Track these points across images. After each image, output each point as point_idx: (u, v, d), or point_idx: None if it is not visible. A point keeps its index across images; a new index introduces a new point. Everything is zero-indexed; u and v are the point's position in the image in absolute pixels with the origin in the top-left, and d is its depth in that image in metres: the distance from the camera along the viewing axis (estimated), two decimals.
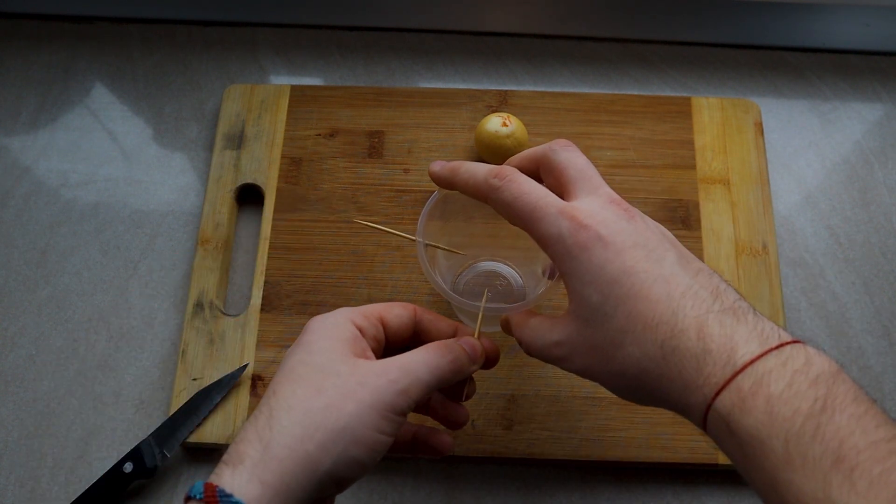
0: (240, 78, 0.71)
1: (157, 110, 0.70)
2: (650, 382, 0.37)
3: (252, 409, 0.56)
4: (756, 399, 0.33)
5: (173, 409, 0.57)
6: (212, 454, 0.57)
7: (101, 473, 0.55)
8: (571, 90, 0.71)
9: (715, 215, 0.63)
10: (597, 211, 0.39)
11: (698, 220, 0.62)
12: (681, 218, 0.62)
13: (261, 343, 0.59)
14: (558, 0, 0.70)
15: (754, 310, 0.37)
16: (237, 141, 0.66)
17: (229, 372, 0.57)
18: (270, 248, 0.62)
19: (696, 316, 0.36)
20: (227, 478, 0.35)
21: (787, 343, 0.35)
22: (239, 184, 0.64)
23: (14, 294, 0.63)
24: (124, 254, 0.64)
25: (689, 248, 0.41)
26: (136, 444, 0.56)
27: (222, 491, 0.34)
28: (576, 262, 0.39)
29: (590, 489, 0.56)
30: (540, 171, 0.45)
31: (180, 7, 0.72)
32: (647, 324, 0.37)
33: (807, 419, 0.32)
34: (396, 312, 0.44)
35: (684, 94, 0.70)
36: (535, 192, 0.41)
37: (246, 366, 0.58)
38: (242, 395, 0.57)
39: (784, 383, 0.33)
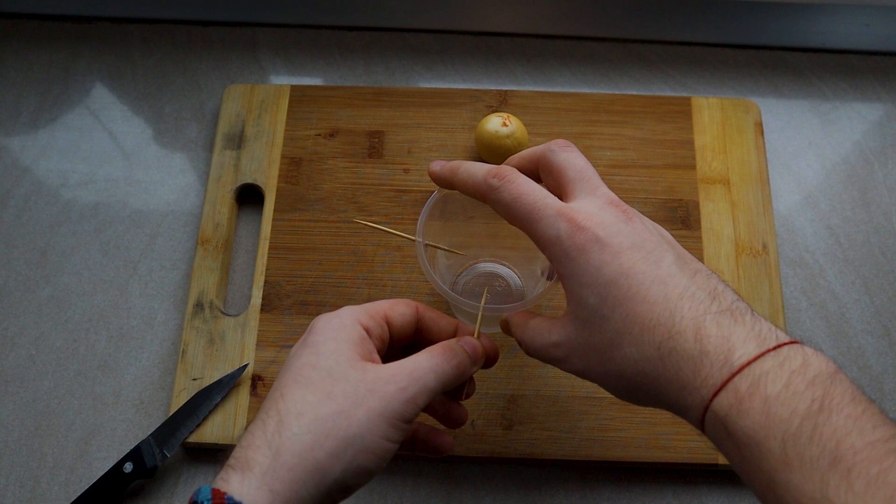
0: (240, 78, 0.71)
1: (157, 110, 0.70)
2: (648, 384, 0.37)
3: (252, 409, 0.57)
4: (753, 400, 0.33)
5: (173, 409, 0.57)
6: (212, 454, 0.57)
7: (101, 473, 0.55)
8: (571, 90, 0.71)
9: (715, 215, 0.63)
10: (595, 212, 0.39)
11: (698, 220, 0.62)
12: (681, 218, 0.62)
13: (261, 343, 0.59)
14: (558, 0, 0.70)
15: (752, 310, 0.37)
16: (237, 141, 0.66)
17: (229, 372, 0.57)
18: (270, 248, 0.62)
19: (694, 317, 0.36)
20: (236, 484, 0.35)
21: (785, 344, 0.35)
22: (239, 184, 0.64)
23: (14, 294, 0.63)
24: (124, 254, 0.64)
25: (689, 249, 0.41)
26: (136, 444, 0.56)
27: (231, 498, 0.34)
28: (573, 264, 0.38)
29: (590, 489, 0.56)
30: (539, 172, 0.45)
31: (180, 7, 0.73)
32: (645, 325, 0.37)
33: (804, 420, 0.32)
34: (400, 311, 0.44)
35: (684, 94, 0.70)
36: (533, 193, 0.41)
37: (246, 366, 0.58)
38: (242, 395, 0.57)
39: (781, 384, 0.33)
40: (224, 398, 0.57)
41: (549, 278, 0.49)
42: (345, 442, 0.36)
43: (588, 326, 0.39)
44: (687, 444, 0.55)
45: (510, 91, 0.67)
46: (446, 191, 0.48)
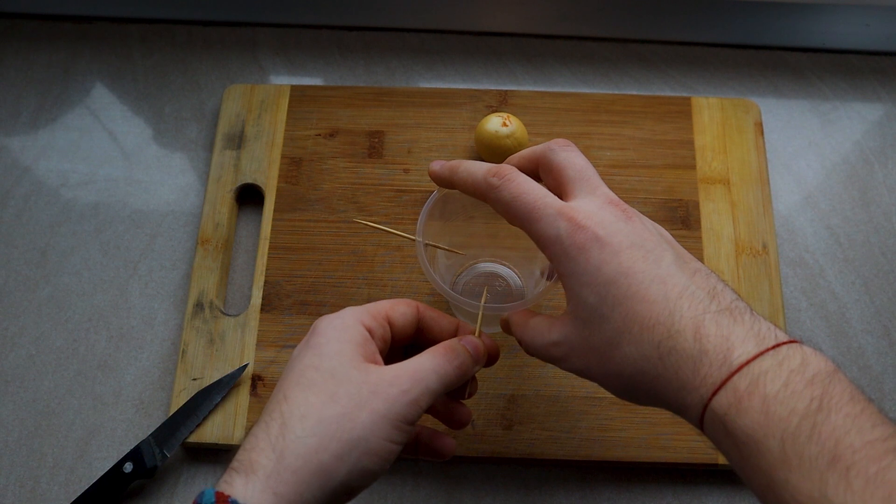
0: (240, 78, 0.71)
1: (157, 110, 0.70)
2: (647, 383, 0.37)
3: (252, 409, 0.57)
4: (752, 399, 0.33)
5: (173, 409, 0.57)
6: (212, 454, 0.57)
7: (101, 473, 0.55)
8: (571, 90, 0.71)
9: (715, 215, 0.63)
10: (595, 211, 0.39)
11: (698, 220, 0.62)
12: (681, 218, 0.62)
13: (261, 343, 0.59)
14: (558, 0, 0.70)
15: (751, 310, 0.37)
16: (237, 141, 0.66)
17: (229, 372, 0.57)
18: (270, 248, 0.62)
19: (693, 316, 0.36)
20: (240, 487, 0.35)
21: (784, 343, 0.35)
22: (239, 184, 0.64)
23: (14, 294, 0.63)
24: (124, 254, 0.64)
25: (689, 248, 0.41)
26: (136, 444, 0.56)
27: (235, 501, 0.34)
28: (573, 263, 0.38)
29: (590, 489, 0.56)
30: (539, 171, 0.44)
31: (180, 7, 0.73)
32: (644, 324, 0.37)
33: (803, 419, 0.32)
34: (402, 311, 0.44)
35: (684, 94, 0.70)
36: (533, 192, 0.41)
37: (246, 366, 0.58)
38: (242, 395, 0.57)
39: (780, 383, 0.33)
40: (224, 398, 0.57)
41: (549, 278, 0.49)
42: (349, 444, 0.36)
43: (588, 325, 0.39)
44: (687, 444, 0.55)
45: (510, 91, 0.67)
46: (446, 190, 0.48)
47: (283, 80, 0.71)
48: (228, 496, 0.34)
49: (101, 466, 0.57)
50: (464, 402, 0.46)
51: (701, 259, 0.59)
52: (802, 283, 0.63)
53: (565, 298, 0.40)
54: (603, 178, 0.43)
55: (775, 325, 0.37)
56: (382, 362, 0.41)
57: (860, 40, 0.71)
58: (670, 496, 0.56)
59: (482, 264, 0.60)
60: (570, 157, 0.43)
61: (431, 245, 0.50)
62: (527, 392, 0.57)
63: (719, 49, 0.73)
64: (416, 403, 0.38)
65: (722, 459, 0.55)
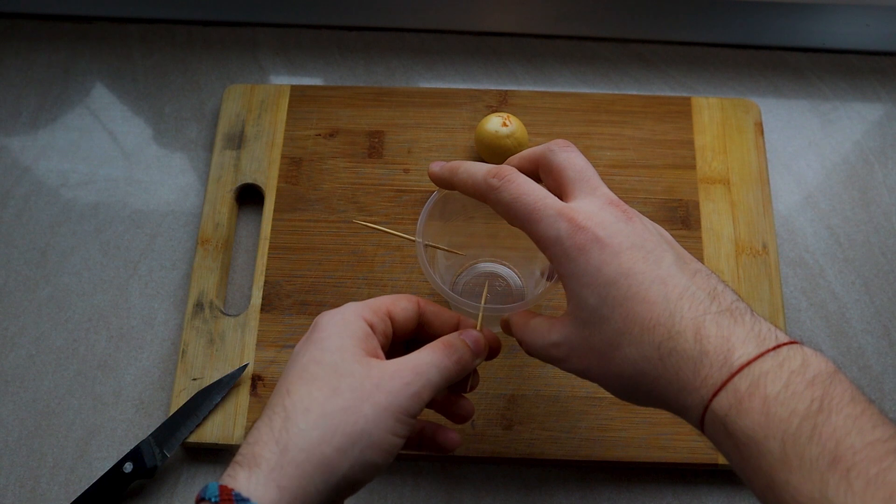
0: (240, 78, 0.71)
1: (157, 110, 0.70)
2: (647, 384, 0.37)
3: (252, 409, 0.57)
4: (753, 400, 0.33)
5: (173, 409, 0.57)
6: (212, 454, 0.57)
7: (101, 473, 0.55)
8: (571, 90, 0.71)
9: (715, 215, 0.63)
10: (595, 212, 0.39)
11: (698, 220, 0.62)
12: (681, 218, 0.62)
13: (261, 343, 0.59)
14: (558, 0, 0.70)
15: (752, 311, 0.37)
16: (237, 141, 0.66)
17: (229, 372, 0.57)
18: (270, 248, 0.62)
19: (694, 317, 0.36)
20: (243, 481, 0.35)
21: (784, 344, 0.35)
22: (239, 184, 0.64)
23: (14, 294, 0.63)
24: (124, 254, 0.64)
25: (689, 249, 0.41)
26: (136, 444, 0.56)
27: (238, 495, 0.34)
28: (573, 264, 0.38)
29: (590, 489, 0.56)
30: (539, 172, 0.44)
31: (180, 7, 0.73)
32: (645, 325, 0.37)
33: (803, 420, 0.32)
34: (403, 306, 0.44)
35: (684, 94, 0.70)
36: (533, 193, 0.41)
37: (246, 366, 0.58)
38: (242, 395, 0.57)
39: (781, 384, 0.33)
40: (224, 398, 0.57)
41: (549, 279, 0.49)
42: (352, 437, 0.37)
43: (588, 326, 0.39)
44: (687, 444, 0.55)
45: (510, 91, 0.67)
46: (446, 191, 0.48)
47: (283, 80, 0.71)
48: (232, 489, 0.34)
49: (101, 466, 0.57)
50: (466, 395, 0.46)
51: (701, 259, 0.59)
52: (802, 283, 0.63)
53: (566, 299, 0.40)
54: (603, 179, 0.43)
55: (775, 325, 0.37)
56: (384, 357, 0.41)
57: (860, 40, 0.71)
58: (670, 496, 0.56)
59: (482, 264, 0.60)
60: (570, 157, 0.43)
61: (431, 245, 0.50)
62: (527, 392, 0.57)
63: (719, 49, 0.73)
64: (417, 396, 0.39)
65: (722, 460, 0.55)
